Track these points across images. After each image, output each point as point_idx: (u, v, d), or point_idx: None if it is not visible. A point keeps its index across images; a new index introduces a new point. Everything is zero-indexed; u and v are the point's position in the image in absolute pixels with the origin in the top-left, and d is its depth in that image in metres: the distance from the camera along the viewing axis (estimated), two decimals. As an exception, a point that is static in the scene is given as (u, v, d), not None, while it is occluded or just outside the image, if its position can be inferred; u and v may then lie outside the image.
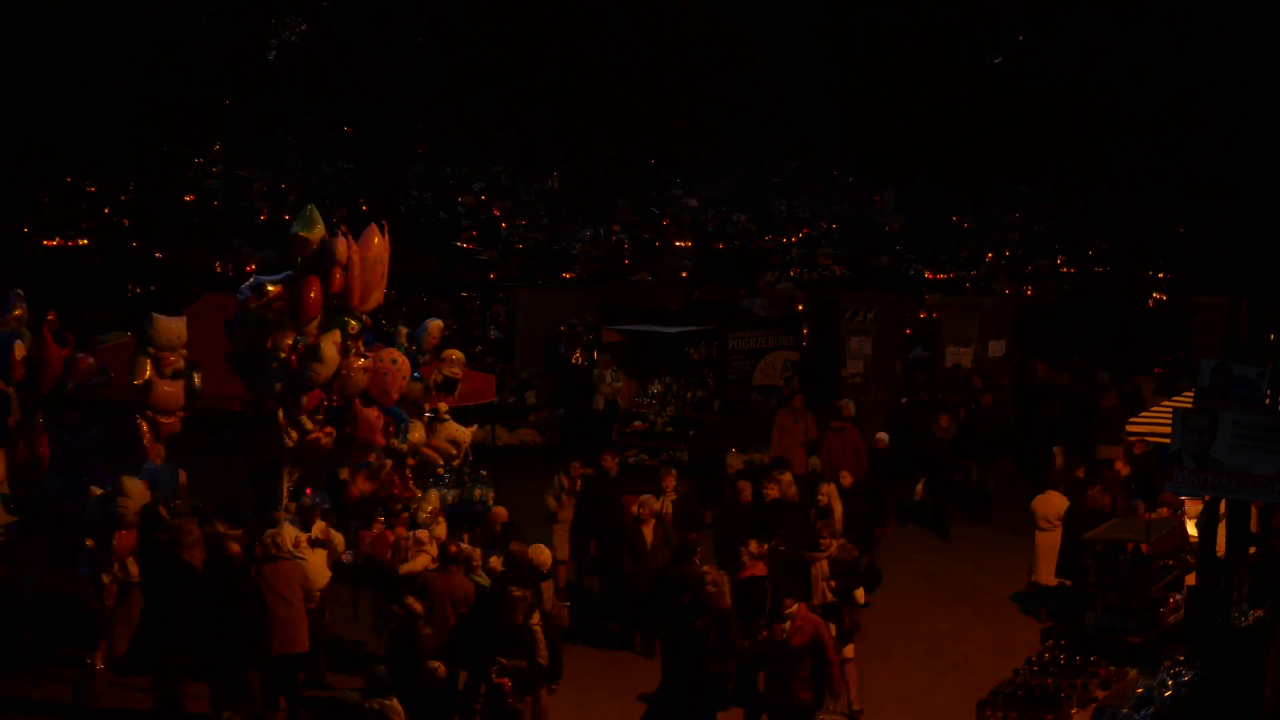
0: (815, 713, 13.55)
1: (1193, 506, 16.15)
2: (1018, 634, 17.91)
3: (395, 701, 12.66)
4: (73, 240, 43.61)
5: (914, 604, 19.17)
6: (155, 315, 16.45)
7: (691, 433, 25.63)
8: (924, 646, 17.68)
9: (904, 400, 26.47)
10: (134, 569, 15.24)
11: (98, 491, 15.25)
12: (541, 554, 15.82)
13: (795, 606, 13.42)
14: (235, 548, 14.46)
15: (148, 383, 16.12)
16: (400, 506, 16.33)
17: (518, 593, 13.87)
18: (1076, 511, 17.76)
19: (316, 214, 15.36)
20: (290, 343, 14.89)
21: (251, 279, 15.37)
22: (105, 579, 15.04)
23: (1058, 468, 19.80)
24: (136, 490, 15.08)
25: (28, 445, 16.04)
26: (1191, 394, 12.87)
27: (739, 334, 27.88)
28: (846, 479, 19.19)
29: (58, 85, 31.58)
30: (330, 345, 15.00)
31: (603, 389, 26.42)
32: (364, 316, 15.43)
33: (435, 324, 17.47)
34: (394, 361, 15.99)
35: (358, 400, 15.38)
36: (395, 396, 16.00)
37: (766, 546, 16.19)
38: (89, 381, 16.74)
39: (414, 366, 16.43)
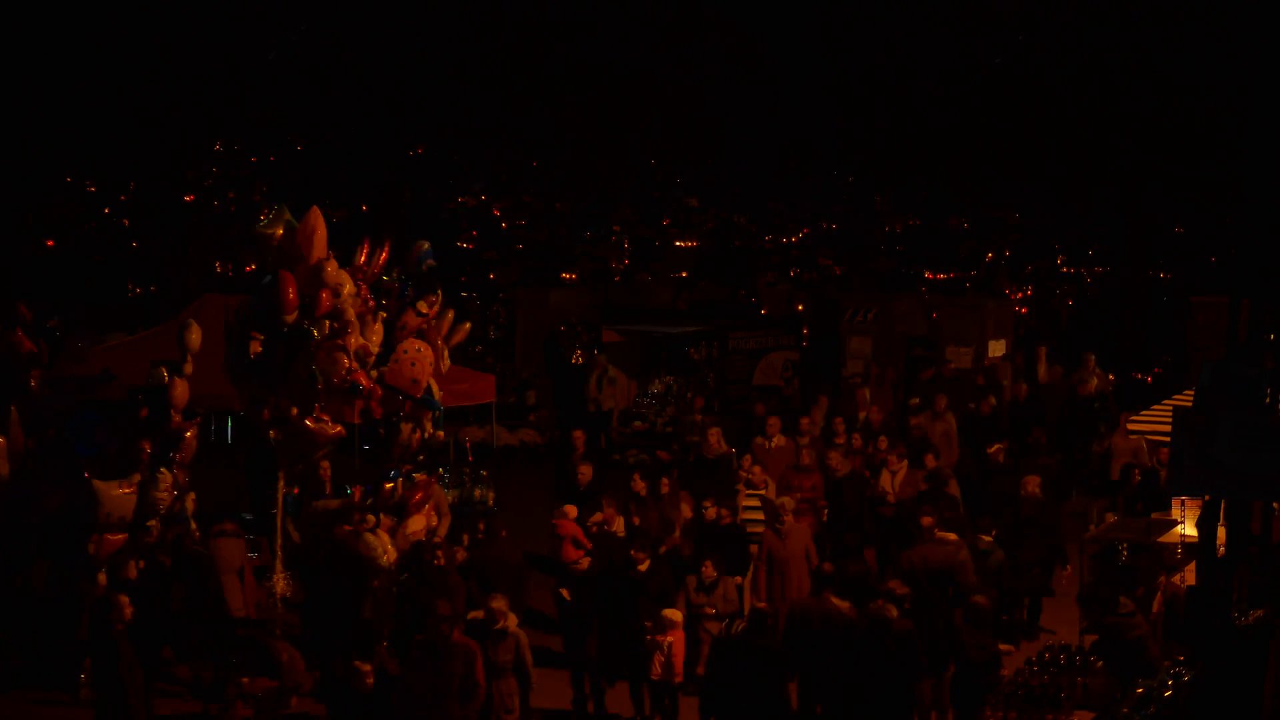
0: None
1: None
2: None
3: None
4: (73, 241, 43.64)
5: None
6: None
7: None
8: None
9: (915, 401, 26.19)
10: (133, 572, 15.25)
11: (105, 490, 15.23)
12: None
13: None
14: None
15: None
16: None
17: None
18: None
19: (285, 213, 15.37)
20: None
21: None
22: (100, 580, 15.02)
23: None
24: (108, 494, 15.06)
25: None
26: (1191, 394, 12.86)
27: (739, 334, 27.90)
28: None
29: (58, 85, 31.61)
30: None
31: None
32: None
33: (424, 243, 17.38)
34: (419, 350, 15.97)
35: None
36: (424, 385, 15.99)
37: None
38: (87, 379, 16.72)
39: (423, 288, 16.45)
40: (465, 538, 16.78)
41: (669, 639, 14.31)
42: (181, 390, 15.47)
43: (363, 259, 15.81)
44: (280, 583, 15.50)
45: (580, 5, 35.36)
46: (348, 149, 44.97)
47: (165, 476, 15.28)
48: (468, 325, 17.31)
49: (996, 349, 28.21)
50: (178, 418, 15.56)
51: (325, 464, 17.19)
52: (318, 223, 15.12)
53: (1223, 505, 11.79)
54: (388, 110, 36.71)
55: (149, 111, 33.42)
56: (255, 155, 57.22)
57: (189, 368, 15.56)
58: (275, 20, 37.11)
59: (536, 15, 34.82)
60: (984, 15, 32.02)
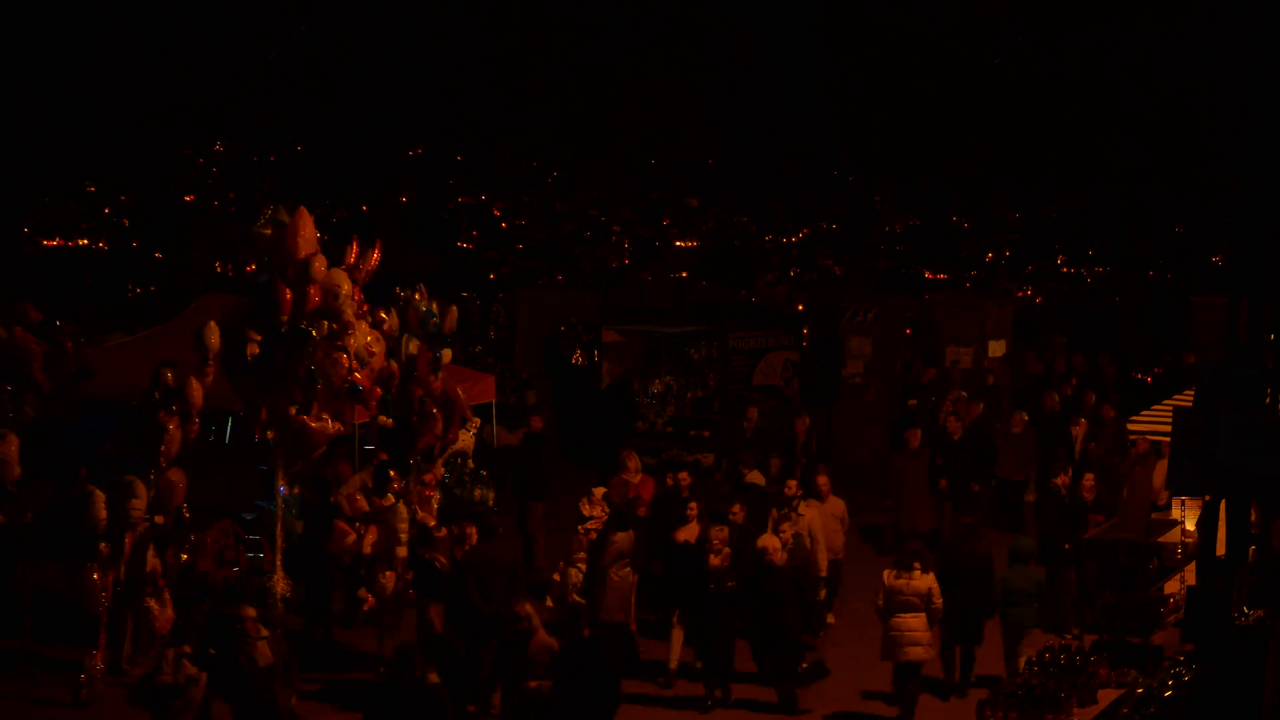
0: None
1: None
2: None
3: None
4: (73, 240, 43.66)
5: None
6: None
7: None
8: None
9: (913, 403, 26.07)
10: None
11: (101, 495, 15.20)
12: None
13: None
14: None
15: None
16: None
17: None
18: None
19: (282, 212, 15.34)
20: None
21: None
22: (110, 577, 15.04)
23: None
24: (144, 492, 15.06)
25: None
26: (1191, 394, 12.85)
27: (739, 334, 27.89)
28: None
29: (58, 85, 31.61)
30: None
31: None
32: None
33: (453, 308, 17.67)
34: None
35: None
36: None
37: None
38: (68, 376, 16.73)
39: (438, 346, 16.70)
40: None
41: None
42: (197, 391, 15.46)
43: (352, 259, 15.83)
44: (280, 583, 15.50)
45: (580, 5, 35.37)
46: (348, 149, 45.02)
47: (178, 473, 15.35)
48: (454, 309, 17.59)
49: (996, 349, 28.19)
50: (195, 419, 15.58)
51: (344, 464, 17.24)
52: (303, 221, 15.14)
53: (1223, 505, 11.78)
54: (388, 110, 36.71)
55: (149, 111, 33.44)
56: (255, 155, 57.31)
57: (210, 368, 15.50)
58: (275, 20, 37.12)
59: (537, 15, 34.81)
60: (984, 15, 32.02)
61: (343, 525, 15.98)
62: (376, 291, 16.33)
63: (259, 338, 15.03)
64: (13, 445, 15.64)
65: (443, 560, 15.31)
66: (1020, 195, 51.36)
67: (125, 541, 15.16)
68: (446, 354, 17.31)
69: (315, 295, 14.97)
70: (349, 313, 15.21)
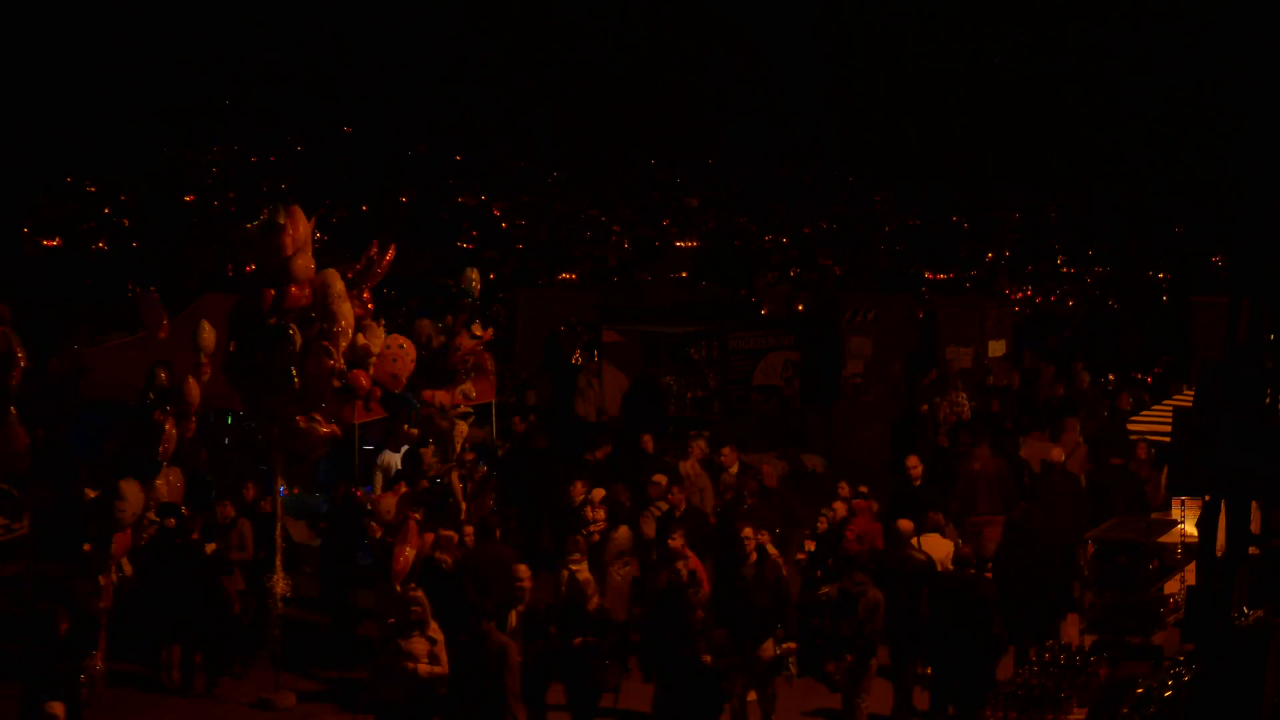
0: None
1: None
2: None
3: None
4: (73, 240, 43.66)
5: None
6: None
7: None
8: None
9: (925, 407, 25.68)
10: (129, 569, 15.26)
11: (91, 494, 15.19)
12: None
13: None
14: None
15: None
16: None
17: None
18: None
19: (280, 216, 15.26)
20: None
21: None
22: (102, 580, 15.01)
23: None
24: (133, 492, 15.02)
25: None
26: (1191, 394, 12.86)
27: (739, 334, 27.89)
28: None
29: (58, 85, 31.65)
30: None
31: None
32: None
33: (472, 271, 17.81)
34: (400, 347, 15.98)
35: None
36: (404, 382, 16.03)
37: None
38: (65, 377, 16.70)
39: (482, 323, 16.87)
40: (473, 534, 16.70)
41: None
42: (194, 391, 15.40)
43: (362, 264, 15.80)
44: (280, 583, 15.49)
45: (581, 6, 35.41)
46: (348, 149, 45.04)
47: (174, 472, 15.29)
48: (491, 330, 17.74)
49: (996, 349, 28.18)
50: (193, 419, 15.51)
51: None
52: (295, 221, 15.04)
53: (1223, 505, 11.78)
54: (388, 110, 36.72)
55: (149, 111, 33.50)
56: (255, 155, 57.37)
57: (206, 368, 15.43)
58: (275, 20, 37.17)
59: (537, 16, 34.85)
60: (984, 15, 32.07)
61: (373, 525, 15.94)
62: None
63: (241, 336, 15.02)
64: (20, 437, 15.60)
65: (448, 560, 15.31)
66: (1020, 195, 51.43)
67: (121, 542, 15.15)
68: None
69: (298, 294, 14.86)
70: (343, 312, 15.13)
